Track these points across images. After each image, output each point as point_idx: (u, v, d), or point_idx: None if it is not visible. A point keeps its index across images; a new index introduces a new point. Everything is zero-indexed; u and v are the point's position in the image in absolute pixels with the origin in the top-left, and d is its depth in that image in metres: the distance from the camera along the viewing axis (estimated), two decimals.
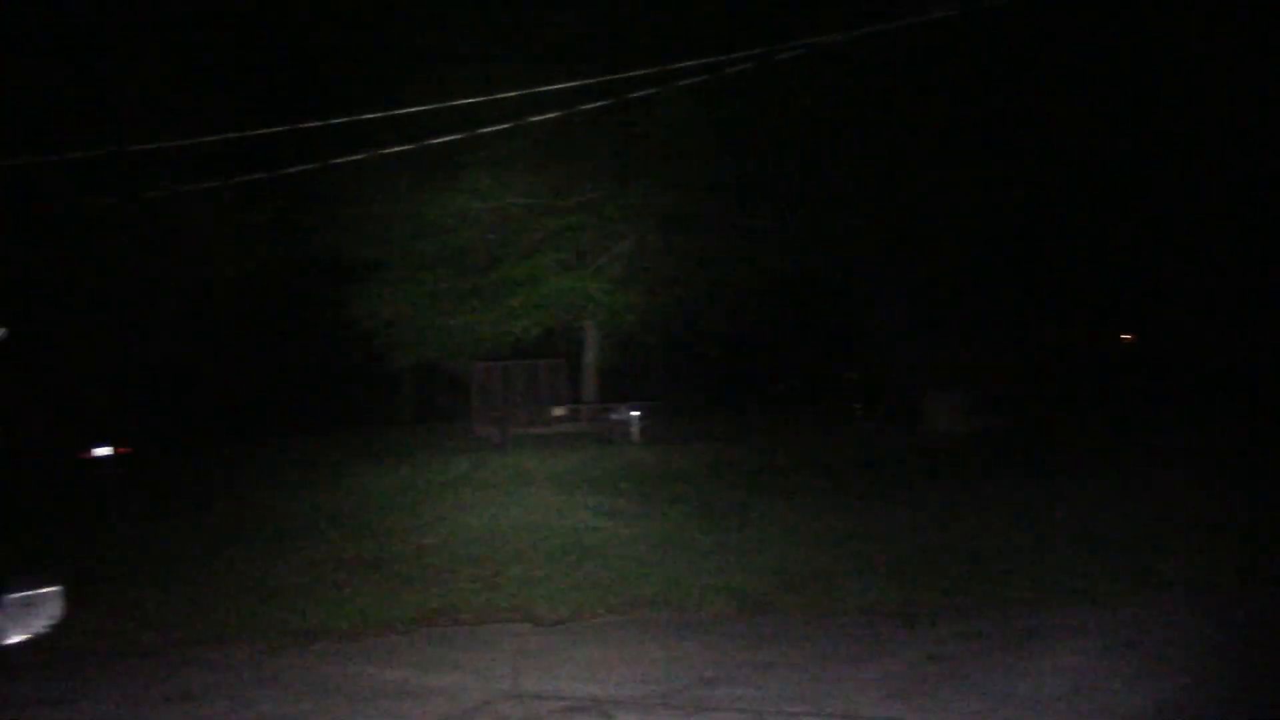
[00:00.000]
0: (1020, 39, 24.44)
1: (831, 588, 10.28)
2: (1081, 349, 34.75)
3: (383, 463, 22.38)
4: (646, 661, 8.26)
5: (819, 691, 7.28)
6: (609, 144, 25.63)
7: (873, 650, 8.28)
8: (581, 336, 30.81)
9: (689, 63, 14.94)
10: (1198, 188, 28.60)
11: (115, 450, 30.24)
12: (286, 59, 30.41)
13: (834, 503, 15.31)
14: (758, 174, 26.26)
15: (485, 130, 16.46)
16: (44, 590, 10.45)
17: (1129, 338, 37.22)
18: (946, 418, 25.97)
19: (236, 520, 16.65)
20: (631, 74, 14.88)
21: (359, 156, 17.91)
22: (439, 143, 17.01)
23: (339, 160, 17.05)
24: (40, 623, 10.23)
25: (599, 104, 16.57)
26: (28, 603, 10.23)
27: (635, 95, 16.11)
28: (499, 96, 15.27)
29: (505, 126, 16.93)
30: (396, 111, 15.29)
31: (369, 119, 15.09)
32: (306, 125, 14.43)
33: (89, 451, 30.27)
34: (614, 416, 26.69)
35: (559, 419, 28.96)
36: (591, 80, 15.70)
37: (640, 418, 26.29)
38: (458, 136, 16.93)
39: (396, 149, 16.96)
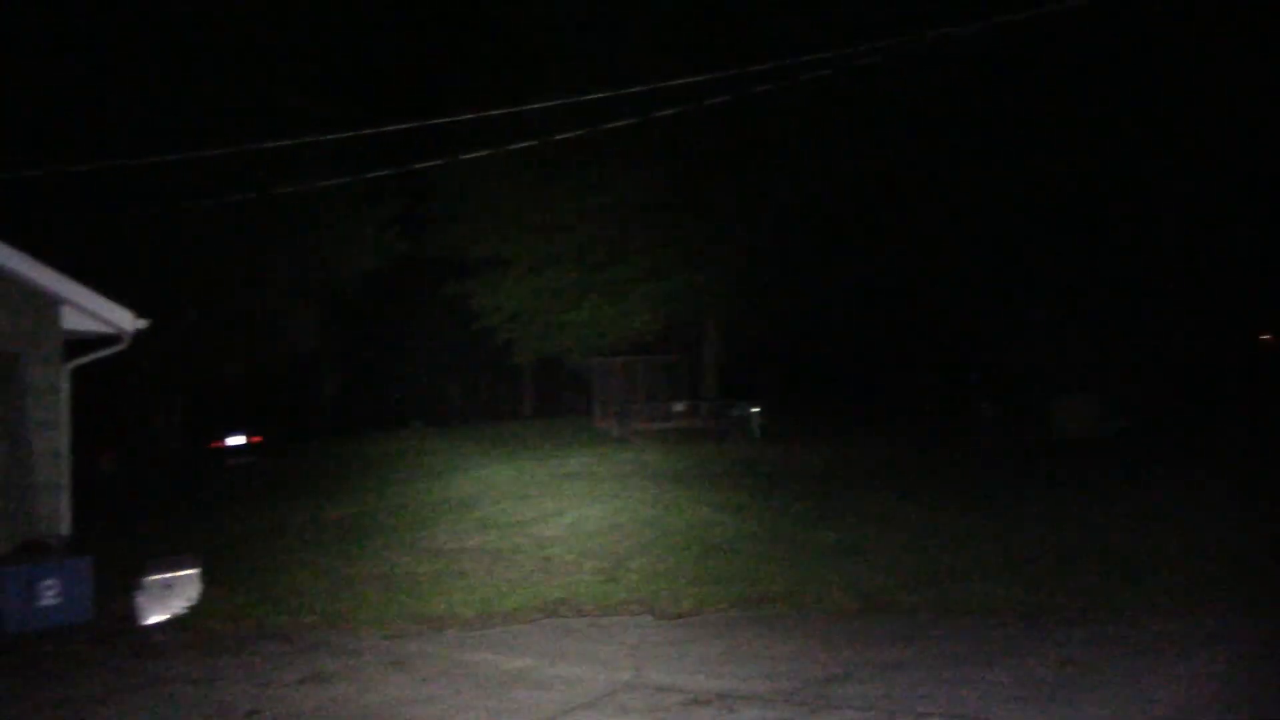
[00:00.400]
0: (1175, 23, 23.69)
1: (957, 587, 10.02)
2: (1217, 350, 33.39)
3: (505, 455, 22.61)
4: (770, 657, 8.18)
5: (947, 693, 7.10)
6: (730, 139, 25.54)
7: (1002, 651, 8.04)
8: (701, 333, 30.77)
9: (810, 57, 14.77)
10: None
11: (247, 439, 31.30)
12: (414, 57, 31.02)
13: (959, 502, 14.96)
14: (883, 169, 25.90)
15: (608, 126, 16.50)
16: (182, 573, 10.89)
17: (1268, 338, 35.67)
18: (1076, 420, 25.22)
19: (361, 508, 17.02)
20: (751, 69, 14.76)
21: (483, 153, 18.17)
22: (562, 139, 17.15)
23: (465, 156, 17.29)
24: (178, 604, 10.65)
25: (720, 99, 16.49)
26: (167, 585, 10.67)
27: (758, 90, 15.97)
28: (621, 92, 15.31)
29: (628, 122, 16.96)
30: (519, 109, 15.45)
31: (494, 115, 15.28)
32: (434, 122, 14.67)
33: (222, 440, 31.39)
34: (734, 413, 26.60)
35: (679, 414, 28.96)
36: (711, 75, 15.62)
37: (760, 414, 26.16)
38: (579, 133, 17.03)
39: (520, 144, 17.13)
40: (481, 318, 30.62)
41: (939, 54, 18.41)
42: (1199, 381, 30.64)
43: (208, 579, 11.29)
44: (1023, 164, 26.12)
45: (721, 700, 7.13)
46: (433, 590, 10.95)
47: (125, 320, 12.55)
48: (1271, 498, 14.24)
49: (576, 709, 7.12)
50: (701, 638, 8.89)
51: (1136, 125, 25.73)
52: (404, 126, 14.75)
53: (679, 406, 29.52)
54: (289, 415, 37.58)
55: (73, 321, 12.26)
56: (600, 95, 15.19)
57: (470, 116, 15.16)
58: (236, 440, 31.41)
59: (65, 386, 12.14)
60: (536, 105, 15.61)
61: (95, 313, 12.33)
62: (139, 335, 12.88)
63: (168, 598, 10.64)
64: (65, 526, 11.84)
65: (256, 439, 31.75)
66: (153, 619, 10.42)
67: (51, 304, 12.03)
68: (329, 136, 16.78)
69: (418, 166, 17.88)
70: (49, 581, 10.39)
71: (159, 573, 10.71)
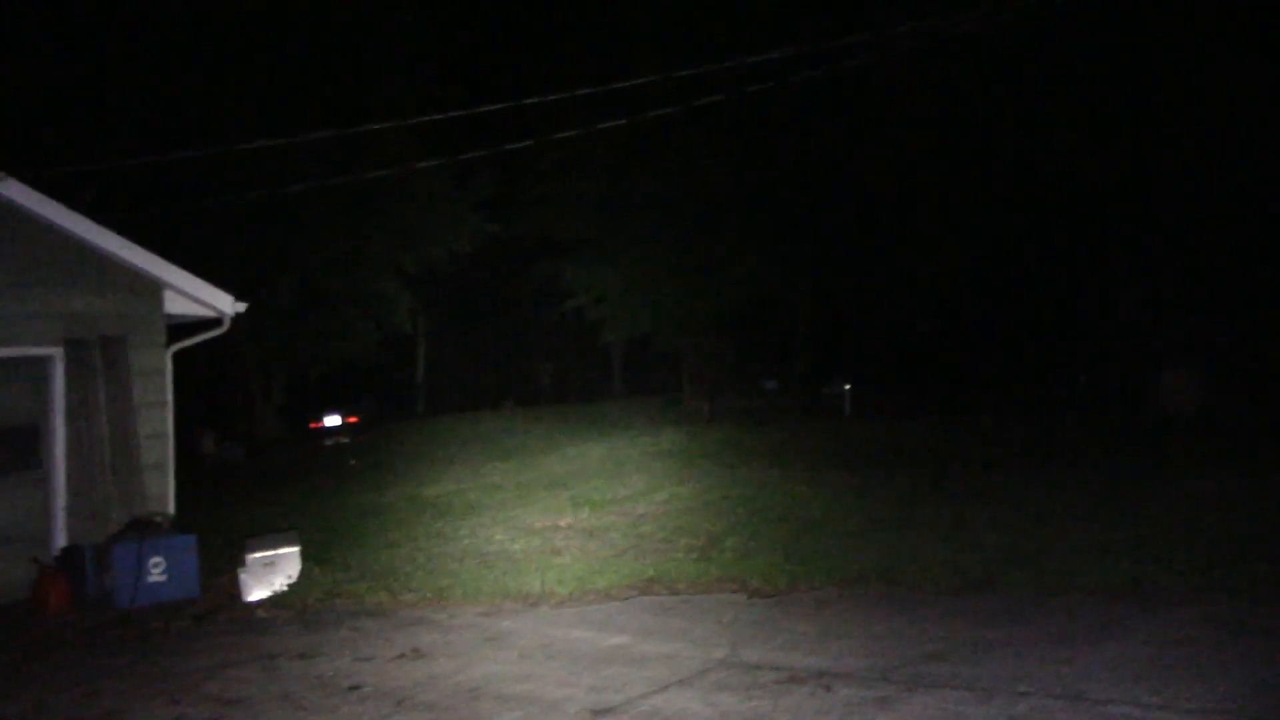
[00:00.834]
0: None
1: (1059, 566, 9.75)
2: None
3: (596, 434, 22.69)
4: (866, 635, 8.09)
5: (1048, 673, 6.92)
6: (820, 116, 25.23)
7: (1107, 631, 7.82)
8: (792, 311, 30.50)
9: (904, 28, 14.51)
10: None
11: (343, 419, 31.94)
12: (502, 36, 31.20)
13: (1058, 479, 14.56)
14: (978, 141, 25.41)
15: (698, 103, 16.36)
16: (283, 551, 11.17)
17: None
18: (1179, 395, 24.50)
19: (456, 487, 17.24)
20: (844, 40, 14.54)
21: (573, 133, 18.17)
22: (648, 117, 17.05)
23: (557, 136, 17.31)
24: (279, 580, 10.92)
25: (810, 73, 16.27)
26: (268, 563, 10.94)
27: (851, 62, 15.72)
28: (705, 69, 15.16)
29: (715, 99, 16.80)
30: (606, 88, 15.39)
31: (581, 95, 15.26)
32: (525, 102, 14.71)
33: (320, 420, 32.07)
34: (825, 390, 26.41)
35: (770, 392, 28.83)
36: (797, 49, 15.40)
37: (851, 391, 25.92)
38: (668, 110, 16.90)
39: (608, 124, 17.07)
40: (571, 298, 30.74)
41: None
42: None
43: (308, 556, 11.54)
44: (1129, 132, 25.40)
45: (818, 678, 7.07)
46: (527, 567, 11.05)
47: (225, 303, 12.82)
48: None
49: (672, 686, 7.11)
50: (796, 615, 8.83)
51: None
52: (495, 108, 14.81)
53: (770, 384, 29.39)
54: (383, 396, 38.30)
55: (175, 305, 12.56)
56: (690, 73, 15.05)
57: (560, 97, 15.16)
58: (333, 420, 32.11)
59: (168, 369, 12.46)
60: (626, 84, 15.54)
61: (196, 296, 12.60)
62: (238, 318, 13.16)
63: (269, 575, 10.90)
64: (170, 506, 12.18)
65: (353, 419, 32.43)
66: (255, 595, 10.69)
67: (154, 288, 12.34)
68: (422, 119, 16.93)
69: (508, 148, 17.94)
70: (156, 559, 10.72)
71: (260, 550, 10.97)
